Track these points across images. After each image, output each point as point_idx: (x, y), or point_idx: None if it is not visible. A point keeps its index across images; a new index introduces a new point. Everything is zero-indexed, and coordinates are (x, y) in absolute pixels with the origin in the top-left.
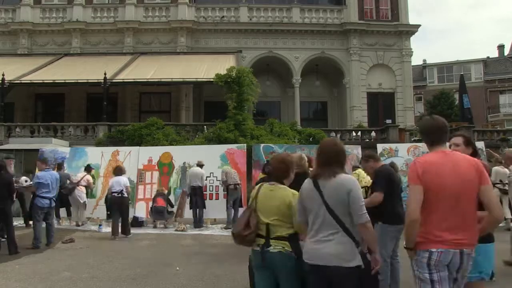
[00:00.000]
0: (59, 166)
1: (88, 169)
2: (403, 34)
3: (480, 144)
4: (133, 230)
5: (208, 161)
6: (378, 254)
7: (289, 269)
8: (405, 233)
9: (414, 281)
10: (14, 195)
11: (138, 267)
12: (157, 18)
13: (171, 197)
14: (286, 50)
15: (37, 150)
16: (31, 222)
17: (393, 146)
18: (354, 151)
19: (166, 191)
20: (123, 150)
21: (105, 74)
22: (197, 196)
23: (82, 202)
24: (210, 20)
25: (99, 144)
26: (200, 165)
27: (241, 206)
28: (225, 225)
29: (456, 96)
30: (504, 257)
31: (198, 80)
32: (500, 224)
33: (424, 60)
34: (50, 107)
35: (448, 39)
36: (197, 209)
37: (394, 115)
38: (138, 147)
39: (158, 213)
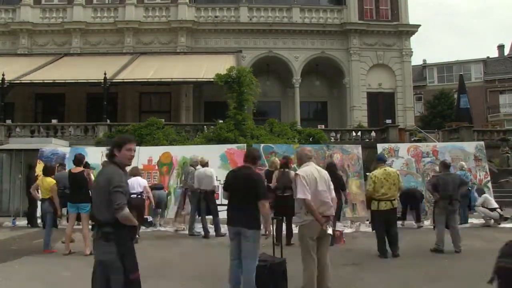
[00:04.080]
0: (63, 167)
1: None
2: (403, 34)
3: (480, 144)
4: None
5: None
6: None
7: None
8: None
9: None
10: None
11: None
12: (157, 18)
13: (171, 197)
14: (286, 50)
15: (37, 150)
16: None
17: (393, 146)
18: (354, 151)
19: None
20: None
21: (105, 74)
22: (208, 201)
23: None
24: (210, 20)
25: (99, 144)
26: (203, 163)
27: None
28: None
29: (456, 96)
30: None
31: (198, 80)
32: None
33: (424, 60)
34: (50, 107)
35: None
36: (203, 217)
37: (394, 115)
38: (138, 147)
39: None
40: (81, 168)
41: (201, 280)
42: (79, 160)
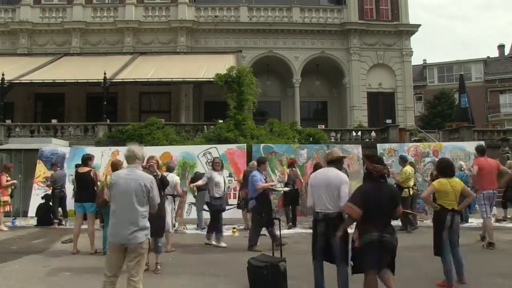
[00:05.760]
0: (54, 167)
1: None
2: (403, 34)
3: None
4: None
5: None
6: None
7: None
8: None
9: None
10: None
11: None
12: (157, 18)
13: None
14: (286, 50)
15: (37, 150)
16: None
17: (393, 146)
18: (355, 151)
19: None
20: (123, 150)
21: (105, 74)
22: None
23: None
24: (210, 20)
25: (99, 144)
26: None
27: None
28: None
29: (457, 96)
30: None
31: (198, 80)
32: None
33: (424, 60)
34: (50, 107)
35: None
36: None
37: (394, 115)
38: None
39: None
40: (87, 168)
41: (202, 277)
42: (83, 159)
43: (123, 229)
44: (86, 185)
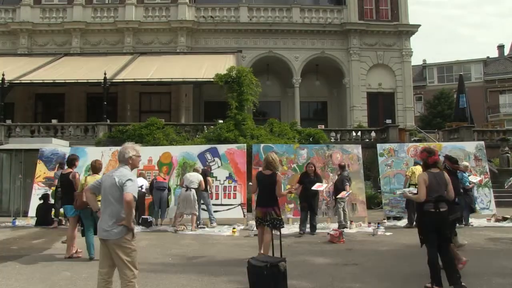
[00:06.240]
0: (62, 166)
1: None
2: (403, 34)
3: (480, 144)
4: (139, 230)
5: None
6: None
7: None
8: None
9: None
10: None
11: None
12: (157, 18)
13: (171, 197)
14: (286, 50)
15: (37, 150)
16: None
17: (393, 146)
18: (354, 151)
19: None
20: None
21: (105, 74)
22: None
23: None
24: (209, 20)
25: (99, 144)
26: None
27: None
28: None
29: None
30: None
31: (198, 80)
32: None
33: (424, 60)
34: (50, 107)
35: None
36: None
37: (394, 115)
38: None
39: (159, 190)
40: (69, 170)
41: (202, 277)
42: (67, 160)
43: (103, 225)
44: (66, 187)
